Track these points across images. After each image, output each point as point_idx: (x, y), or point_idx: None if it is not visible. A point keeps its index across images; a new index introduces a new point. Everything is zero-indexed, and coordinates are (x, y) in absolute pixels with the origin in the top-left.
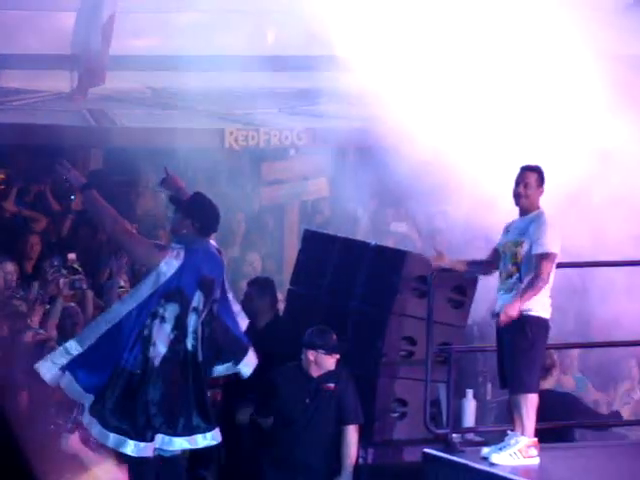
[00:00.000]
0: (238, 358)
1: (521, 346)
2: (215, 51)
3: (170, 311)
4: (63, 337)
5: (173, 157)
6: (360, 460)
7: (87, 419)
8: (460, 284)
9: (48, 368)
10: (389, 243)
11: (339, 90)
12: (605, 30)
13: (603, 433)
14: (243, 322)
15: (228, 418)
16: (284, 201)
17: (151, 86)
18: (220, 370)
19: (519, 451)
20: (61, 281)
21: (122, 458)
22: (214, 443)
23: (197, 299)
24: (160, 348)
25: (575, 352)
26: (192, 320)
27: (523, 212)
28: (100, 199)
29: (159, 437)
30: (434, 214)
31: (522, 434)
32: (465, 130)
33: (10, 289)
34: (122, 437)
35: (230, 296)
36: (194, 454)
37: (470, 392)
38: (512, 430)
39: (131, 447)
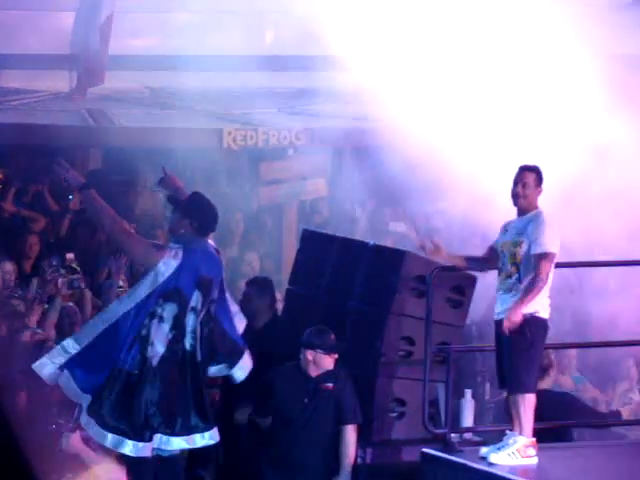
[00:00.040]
0: (233, 361)
1: (520, 346)
2: (213, 51)
3: (168, 311)
4: (61, 337)
5: (171, 157)
6: (359, 460)
7: (85, 419)
8: (459, 284)
9: (46, 367)
10: (388, 243)
11: (337, 89)
12: (600, 28)
13: (602, 432)
14: (241, 323)
15: (226, 418)
16: (282, 201)
17: (149, 86)
18: (213, 371)
19: (517, 451)
20: (59, 281)
21: (122, 458)
22: (212, 443)
23: (195, 299)
24: (158, 348)
25: (573, 352)
26: (190, 320)
27: (521, 212)
28: (99, 199)
29: (157, 437)
30: (432, 213)
31: (520, 434)
32: (462, 128)
33: (8, 289)
34: (120, 437)
35: (228, 296)
36: (192, 454)
37: (469, 392)
38: (511, 430)
39: (129, 447)
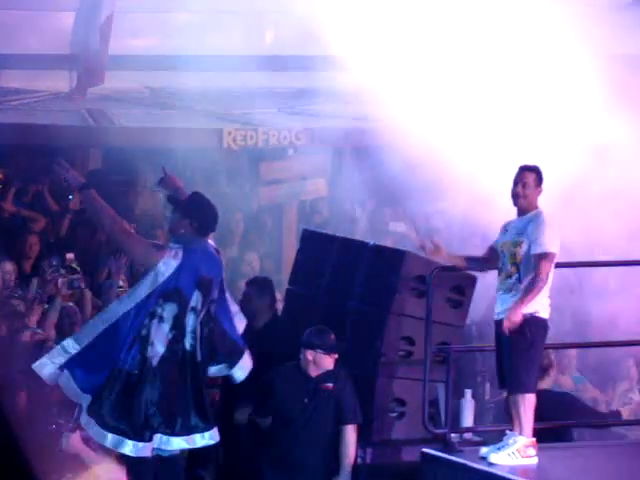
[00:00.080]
0: (233, 361)
1: (520, 346)
2: (213, 51)
3: (168, 311)
4: (61, 337)
5: (171, 157)
6: (359, 460)
7: (85, 419)
8: (459, 284)
9: (46, 367)
10: (388, 243)
11: (337, 89)
12: (600, 28)
13: (602, 432)
14: (241, 323)
15: (226, 418)
16: (282, 201)
17: (149, 86)
18: (213, 371)
19: (517, 451)
20: (59, 281)
21: (122, 458)
22: (212, 443)
23: (195, 299)
24: (158, 348)
25: (573, 352)
26: (190, 320)
27: (521, 212)
28: (99, 199)
29: (157, 437)
30: (432, 213)
31: (520, 434)
32: (462, 128)
33: (9, 289)
34: (120, 437)
35: (228, 296)
36: (192, 454)
37: (469, 392)
38: (511, 430)
39: (129, 447)
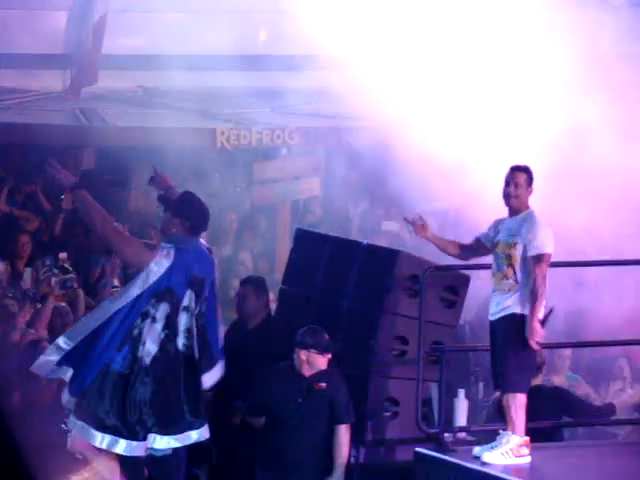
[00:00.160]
0: (203, 369)
1: (514, 346)
2: (206, 50)
3: (161, 311)
4: (53, 337)
5: (165, 156)
6: (352, 459)
7: (75, 421)
8: (452, 284)
9: (44, 365)
10: (381, 242)
11: (331, 89)
12: (600, 28)
13: (595, 428)
14: (222, 330)
15: (220, 417)
16: (276, 200)
17: (143, 85)
18: None
19: (510, 450)
20: (52, 280)
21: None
22: (203, 439)
23: (188, 298)
24: (150, 347)
25: (567, 352)
26: (183, 319)
27: (513, 212)
28: (90, 199)
29: (151, 436)
30: (425, 213)
31: (513, 433)
32: (457, 127)
33: (1, 289)
34: (114, 437)
35: (216, 301)
36: (188, 453)
37: (462, 391)
38: (504, 429)
39: (123, 446)
